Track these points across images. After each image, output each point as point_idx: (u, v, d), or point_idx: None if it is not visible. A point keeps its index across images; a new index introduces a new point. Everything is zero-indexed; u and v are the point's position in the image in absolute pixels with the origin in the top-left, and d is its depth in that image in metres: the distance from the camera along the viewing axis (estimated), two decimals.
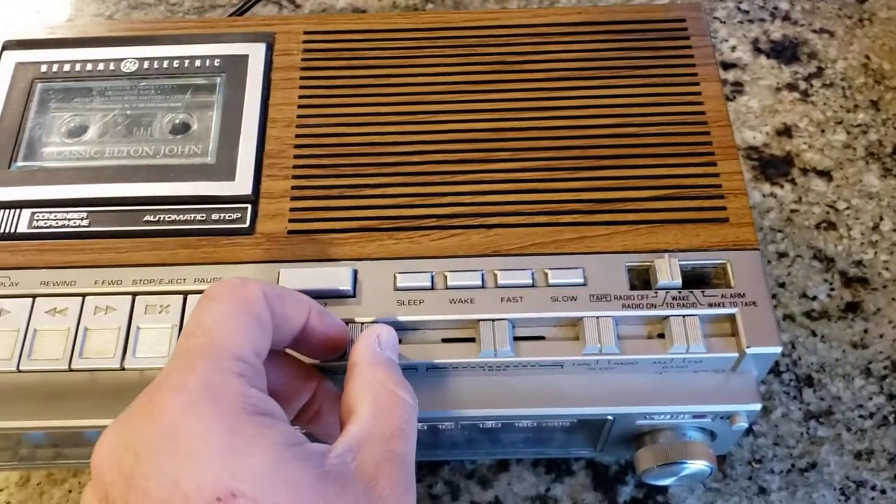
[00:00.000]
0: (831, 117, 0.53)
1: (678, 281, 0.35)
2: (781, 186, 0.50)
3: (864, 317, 0.46)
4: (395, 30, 0.43)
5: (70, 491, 0.42)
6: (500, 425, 0.38)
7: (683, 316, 0.34)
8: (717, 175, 0.38)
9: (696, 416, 0.36)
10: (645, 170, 0.38)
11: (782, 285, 0.47)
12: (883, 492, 0.41)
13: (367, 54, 0.42)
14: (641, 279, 0.36)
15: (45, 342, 0.35)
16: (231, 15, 0.59)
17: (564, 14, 0.43)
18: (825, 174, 0.50)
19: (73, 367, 0.34)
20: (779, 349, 0.34)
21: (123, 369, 0.34)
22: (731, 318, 0.35)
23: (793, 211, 0.49)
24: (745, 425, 0.36)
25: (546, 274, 0.36)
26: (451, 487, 0.42)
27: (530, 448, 0.40)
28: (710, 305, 0.35)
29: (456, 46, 0.42)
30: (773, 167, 0.51)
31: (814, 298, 0.46)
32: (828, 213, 0.49)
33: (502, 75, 0.41)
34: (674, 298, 0.35)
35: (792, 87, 0.54)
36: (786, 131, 0.52)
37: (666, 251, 0.36)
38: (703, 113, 0.40)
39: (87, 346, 0.35)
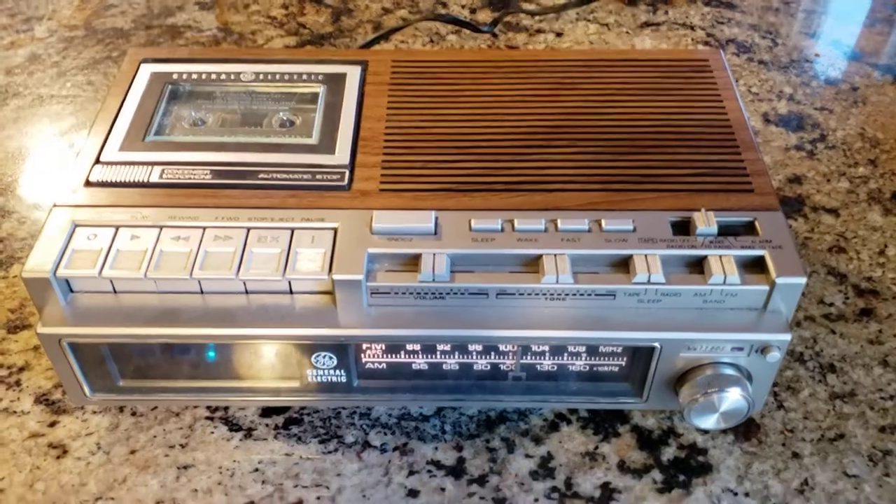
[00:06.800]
0: (835, 170, 0.60)
1: (714, 228, 0.41)
2: (795, 220, 0.57)
3: (878, 320, 0.51)
4: (469, 61, 0.52)
5: (155, 437, 0.46)
6: (555, 368, 0.43)
7: (720, 255, 0.40)
8: (741, 160, 0.45)
9: (735, 348, 0.41)
10: (682, 156, 0.45)
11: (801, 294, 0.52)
12: None
13: (446, 74, 0.51)
14: (682, 230, 0.42)
15: (169, 259, 0.41)
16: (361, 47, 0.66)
17: (613, 52, 0.53)
18: (833, 211, 0.57)
19: (193, 275, 0.40)
20: (804, 280, 0.39)
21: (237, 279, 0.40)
22: (761, 259, 0.40)
23: (806, 238, 0.56)
24: (779, 356, 0.40)
25: (600, 222, 0.42)
26: (506, 443, 0.45)
27: (581, 397, 0.44)
28: (743, 247, 0.41)
29: (523, 71, 0.51)
30: (786, 205, 0.58)
31: (831, 304, 0.52)
32: (838, 240, 0.55)
33: (559, 92, 0.50)
34: (711, 242, 0.41)
35: (799, 147, 0.62)
36: (796, 180, 0.60)
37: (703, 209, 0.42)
38: (727, 118, 0.48)
39: (206, 263, 0.41)
